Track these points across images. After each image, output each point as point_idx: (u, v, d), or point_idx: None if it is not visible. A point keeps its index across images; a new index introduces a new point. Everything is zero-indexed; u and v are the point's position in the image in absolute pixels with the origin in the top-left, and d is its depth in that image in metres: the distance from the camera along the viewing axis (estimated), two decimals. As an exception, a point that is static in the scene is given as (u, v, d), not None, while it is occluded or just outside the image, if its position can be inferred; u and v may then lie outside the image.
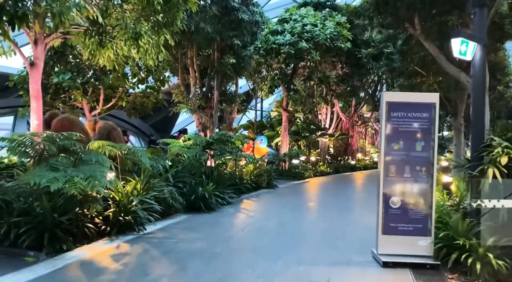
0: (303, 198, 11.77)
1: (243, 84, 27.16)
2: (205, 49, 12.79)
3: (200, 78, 13.15)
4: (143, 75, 14.24)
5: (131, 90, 15.43)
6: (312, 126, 21.07)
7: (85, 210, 5.98)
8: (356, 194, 13.72)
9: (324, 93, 22.18)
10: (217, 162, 12.04)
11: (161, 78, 14.22)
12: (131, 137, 26.29)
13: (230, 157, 12.01)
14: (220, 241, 6.22)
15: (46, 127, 9.12)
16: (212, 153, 10.95)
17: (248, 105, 27.53)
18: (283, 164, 18.32)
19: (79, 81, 12.54)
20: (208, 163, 12.08)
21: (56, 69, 12.98)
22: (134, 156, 7.46)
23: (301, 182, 16.20)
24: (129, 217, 6.40)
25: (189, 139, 11.17)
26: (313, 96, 21.97)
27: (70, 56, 13.19)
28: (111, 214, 6.36)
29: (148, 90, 14.69)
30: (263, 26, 16.43)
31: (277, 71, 18.28)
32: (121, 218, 6.29)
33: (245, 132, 26.38)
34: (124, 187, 6.87)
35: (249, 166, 12.77)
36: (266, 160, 18.35)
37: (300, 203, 10.55)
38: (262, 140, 20.21)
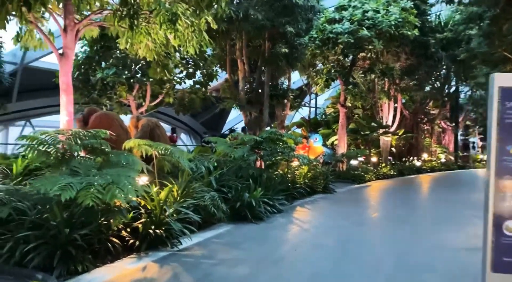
0: (366, 207, 10.27)
1: (297, 79, 25.89)
2: (255, 38, 11.69)
3: (249, 71, 12.06)
4: (190, 70, 13.47)
5: (178, 87, 14.77)
6: (372, 123, 19.28)
7: (111, 221, 5.07)
8: (432, 203, 11.91)
9: (386, 87, 20.26)
10: (267, 163, 10.91)
11: (209, 72, 13.36)
12: (183, 136, 25.95)
13: (281, 157, 10.83)
14: (268, 263, 5.03)
15: (84, 124, 8.48)
16: (261, 153, 9.81)
17: (301, 102, 26.22)
18: (341, 165, 16.79)
19: (124, 76, 11.98)
20: (258, 164, 10.97)
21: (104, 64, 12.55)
22: (171, 156, 6.49)
23: (362, 186, 14.62)
24: (161, 229, 5.41)
25: (236, 138, 10.10)
26: (374, 91, 20.14)
27: (117, 51, 12.69)
28: (140, 225, 5.42)
29: (197, 86, 13.90)
30: (318, 14, 15.06)
31: (333, 64, 16.76)
32: (151, 231, 5.32)
33: (298, 131, 25.07)
34: (159, 193, 5.92)
35: (303, 167, 11.48)
36: (321, 161, 16.93)
37: (363, 214, 9.09)
38: (316, 139, 18.77)
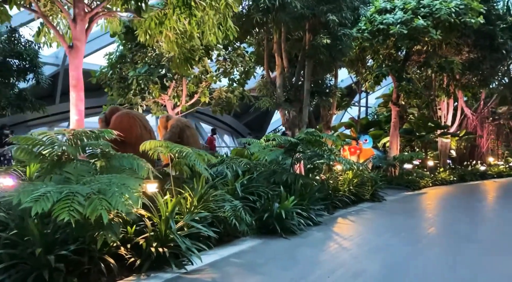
0: (421, 219, 8.87)
1: (345, 77, 24.41)
2: (294, 30, 10.66)
3: (288, 67, 11.04)
4: (228, 66, 12.71)
5: (216, 86, 14.07)
6: (429, 123, 17.48)
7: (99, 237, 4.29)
8: (501, 216, 10.21)
9: (445, 83, 18.33)
10: (307, 167, 9.84)
11: (246, 70, 12.51)
12: (225, 138, 25.38)
13: (323, 161, 9.72)
14: (290, 296, 4.02)
15: (106, 124, 7.93)
16: (299, 156, 8.76)
17: (350, 101, 24.72)
18: (392, 170, 15.24)
19: (157, 74, 11.44)
20: (297, 169, 9.92)
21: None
22: (187, 159, 5.65)
23: (416, 193, 13.06)
24: (166, 247, 4.57)
25: (272, 139, 9.11)
26: (431, 88, 18.28)
27: (151, 49, 12.19)
28: (143, 241, 4.61)
29: (235, 84, 13.11)
30: (368, 4, 13.75)
31: (385, 58, 15.28)
32: (153, 249, 4.50)
33: (347, 132, 23.57)
34: (168, 203, 5.10)
35: (347, 172, 10.26)
36: (370, 165, 15.51)
37: (417, 228, 7.75)
38: (366, 140, 17.31)
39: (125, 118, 7.86)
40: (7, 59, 11.58)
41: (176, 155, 5.75)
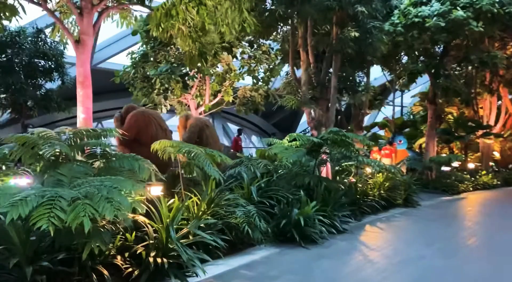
0: (459, 228, 8.03)
1: (379, 75, 23.40)
2: (320, 23, 10.07)
3: (314, 63, 10.44)
4: (252, 64, 12.28)
5: (240, 84, 13.67)
6: (469, 123, 16.31)
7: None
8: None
9: (487, 80, 17.07)
10: (335, 170, 9.25)
11: (270, 67, 12.02)
12: (254, 138, 24.93)
13: (352, 163, 9.10)
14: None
15: (121, 123, 7.67)
16: (325, 158, 8.16)
17: (384, 100, 23.69)
18: (429, 173, 14.27)
19: (178, 73, 11.14)
20: (324, 172, 9.33)
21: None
22: (197, 160, 5.22)
23: (454, 198, 12.09)
24: (166, 257, 4.15)
25: (294, 140, 8.55)
26: (472, 85, 17.06)
27: (173, 48, 11.93)
28: (142, 250, 4.21)
29: (260, 83, 12.66)
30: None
31: (420, 54, 14.34)
32: (151, 258, 4.08)
33: (382, 132, 22.58)
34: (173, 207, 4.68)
35: (378, 175, 9.54)
36: (405, 167, 14.60)
37: (455, 238, 6.97)
38: (400, 141, 16.37)
39: (140, 117, 7.56)
40: (33, 59, 11.62)
41: (185, 155, 5.34)
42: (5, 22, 5.54)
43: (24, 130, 10.77)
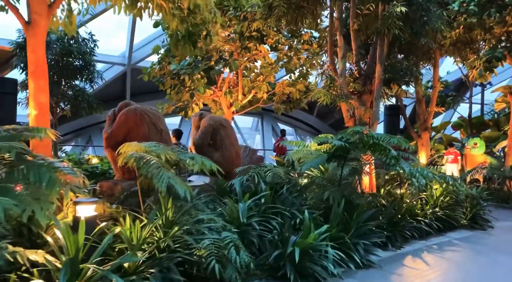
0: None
1: (454, 69, 20.43)
2: (363, 2, 8.29)
3: (358, 50, 8.65)
4: (288, 56, 10.79)
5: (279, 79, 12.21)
6: None
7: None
8: None
9: None
10: (378, 181, 7.49)
11: (309, 58, 10.43)
12: (308, 141, 23.18)
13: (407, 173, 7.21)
14: None
15: (112, 122, 6.76)
16: (359, 164, 6.44)
17: (459, 97, 20.80)
18: (510, 183, 11.59)
19: (203, 67, 10.02)
20: (368, 185, 7.59)
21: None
22: (145, 170, 3.93)
23: (545, 217, 9.46)
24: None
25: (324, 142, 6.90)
26: None
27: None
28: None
29: (295, 76, 11.14)
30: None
31: (499, 38, 11.71)
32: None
33: (456, 134, 19.61)
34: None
35: (436, 187, 7.51)
36: (480, 176, 12.05)
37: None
38: (475, 144, 13.77)
39: (131, 115, 6.56)
40: (59, 58, 11.25)
41: (140, 162, 4.07)
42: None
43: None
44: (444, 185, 7.38)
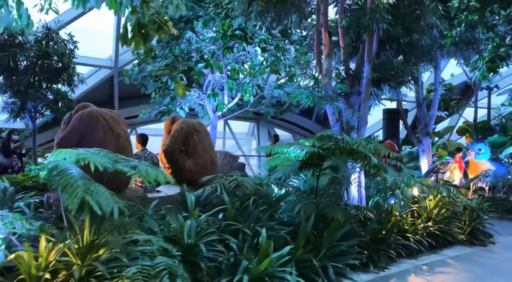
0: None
1: (459, 72, 19.60)
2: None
3: (347, 48, 7.96)
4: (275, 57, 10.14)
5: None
6: None
7: None
8: None
9: None
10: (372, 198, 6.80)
11: (296, 58, 9.77)
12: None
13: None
14: None
15: (66, 126, 6.17)
16: (343, 175, 5.73)
17: (463, 100, 20.01)
18: (517, 193, 10.75)
19: (182, 68, 9.39)
20: (362, 197, 6.89)
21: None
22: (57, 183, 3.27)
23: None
24: None
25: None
26: None
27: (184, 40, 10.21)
28: None
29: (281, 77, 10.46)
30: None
31: (504, 34, 10.92)
32: None
33: (461, 140, 18.76)
34: None
35: (427, 199, 6.75)
36: (486, 184, 11.20)
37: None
38: (480, 150, 12.91)
39: (85, 119, 5.96)
40: (38, 60, 10.69)
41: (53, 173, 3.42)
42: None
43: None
44: (438, 196, 6.62)
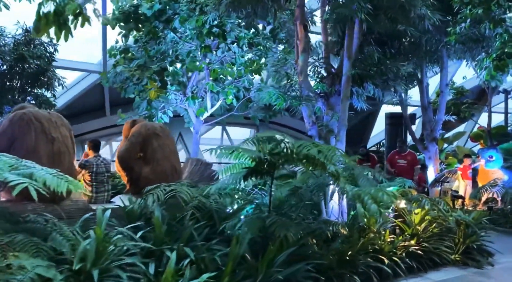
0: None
1: (473, 74, 18.46)
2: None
3: (326, 43, 7.20)
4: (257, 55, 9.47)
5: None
6: None
7: None
8: None
9: None
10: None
11: (280, 57, 9.00)
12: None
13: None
14: None
15: (0, 130, 5.56)
16: (303, 188, 4.94)
17: (482, 105, 18.89)
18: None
19: (156, 68, 8.79)
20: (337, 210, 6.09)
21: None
22: None
23: None
24: None
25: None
26: None
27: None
28: None
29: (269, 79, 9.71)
30: None
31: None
32: None
33: (473, 147, 17.56)
34: None
35: (414, 212, 5.86)
36: (498, 194, 10.10)
37: None
38: (491, 157, 11.83)
39: (16, 122, 5.35)
40: (15, 64, 10.31)
41: None
42: None
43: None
44: (425, 209, 5.72)
